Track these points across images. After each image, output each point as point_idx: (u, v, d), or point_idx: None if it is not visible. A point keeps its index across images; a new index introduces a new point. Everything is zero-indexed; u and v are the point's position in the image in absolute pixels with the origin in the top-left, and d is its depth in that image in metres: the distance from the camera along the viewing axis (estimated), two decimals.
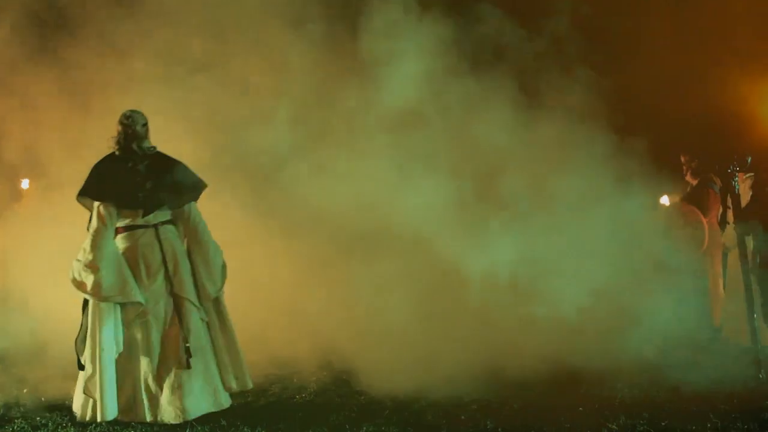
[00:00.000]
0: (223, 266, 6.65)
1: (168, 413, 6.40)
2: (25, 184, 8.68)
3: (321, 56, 8.07)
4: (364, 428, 6.20)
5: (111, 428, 6.39)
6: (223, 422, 6.37)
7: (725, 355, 7.53)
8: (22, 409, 6.90)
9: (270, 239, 8.09)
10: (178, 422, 6.37)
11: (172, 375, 6.41)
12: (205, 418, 6.45)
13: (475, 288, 7.33)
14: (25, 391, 7.22)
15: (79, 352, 6.44)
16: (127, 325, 6.41)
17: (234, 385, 6.63)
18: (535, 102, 7.75)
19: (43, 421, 6.59)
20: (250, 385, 6.72)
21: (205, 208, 6.79)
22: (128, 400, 6.43)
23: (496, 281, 7.29)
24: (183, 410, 6.40)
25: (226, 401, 6.61)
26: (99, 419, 6.35)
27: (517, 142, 7.64)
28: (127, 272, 6.37)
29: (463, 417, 6.35)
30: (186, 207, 6.57)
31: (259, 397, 7.11)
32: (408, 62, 7.77)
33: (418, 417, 6.40)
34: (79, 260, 6.37)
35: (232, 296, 6.90)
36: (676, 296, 7.56)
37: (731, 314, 8.10)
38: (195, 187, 6.60)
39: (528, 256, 7.40)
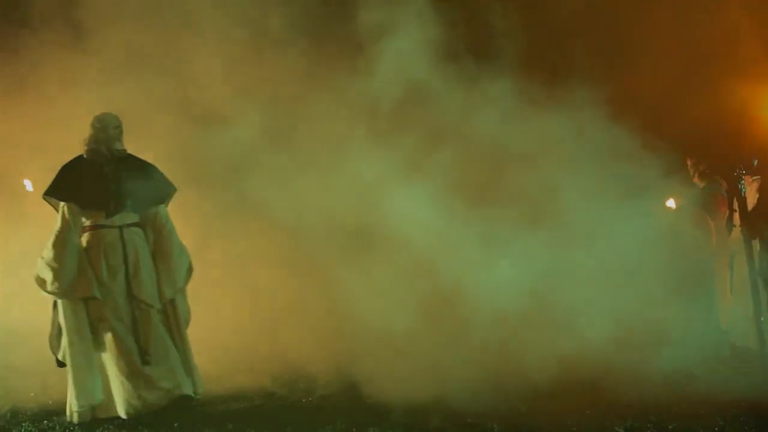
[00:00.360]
0: (188, 270, 6.82)
1: (130, 406, 6.53)
2: (28, 186, 8.61)
3: (303, 51, 8.03)
4: (371, 431, 6.20)
5: (118, 430, 6.43)
6: (230, 426, 6.38)
7: (733, 357, 7.53)
8: (29, 412, 6.92)
9: (270, 242, 8.08)
10: (134, 414, 6.50)
11: (134, 372, 6.53)
12: (213, 421, 6.48)
13: (481, 291, 7.30)
14: (32, 395, 7.24)
15: (54, 349, 6.63)
16: (92, 322, 6.57)
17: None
18: (540, 106, 7.70)
19: (50, 425, 6.61)
20: (200, 390, 6.82)
21: (202, 209, 6.80)
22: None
23: (503, 285, 7.25)
24: (144, 404, 6.53)
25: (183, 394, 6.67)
26: (75, 408, 6.53)
27: (519, 144, 7.57)
28: (89, 270, 6.53)
29: (469, 420, 6.35)
30: (153, 209, 6.71)
31: (267, 399, 7.12)
32: (401, 54, 7.66)
33: (425, 420, 6.38)
34: (42, 258, 6.55)
35: (233, 299, 6.88)
36: (684, 299, 7.53)
37: (738, 317, 8.08)
38: (162, 191, 6.77)
39: (534, 260, 7.37)
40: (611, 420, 6.22)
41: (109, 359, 6.59)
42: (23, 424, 6.64)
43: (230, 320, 7.01)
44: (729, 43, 7.69)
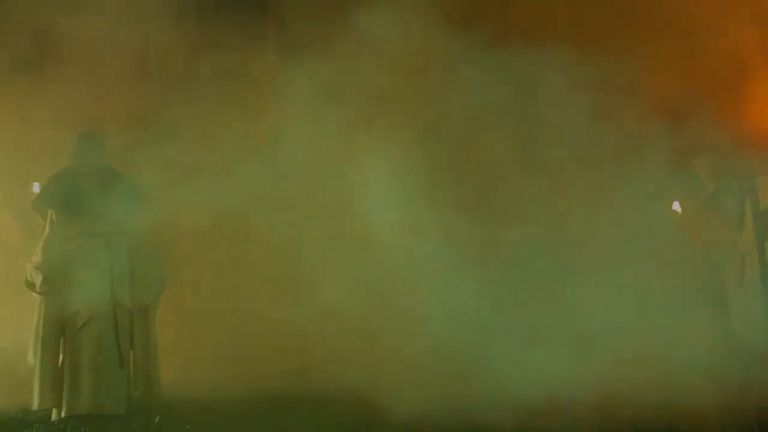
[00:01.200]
0: (164, 279, 7.18)
1: (81, 406, 6.79)
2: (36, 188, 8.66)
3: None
4: None
5: (124, 428, 6.50)
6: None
7: (742, 359, 7.49)
8: (39, 413, 6.93)
9: (252, 247, 8.03)
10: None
11: (111, 374, 6.85)
12: (221, 424, 6.52)
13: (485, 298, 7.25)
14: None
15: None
16: (71, 323, 6.87)
17: (139, 394, 7.02)
18: (543, 109, 7.61)
19: (60, 426, 6.64)
20: (156, 398, 7.06)
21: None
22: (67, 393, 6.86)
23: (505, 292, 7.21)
24: (114, 405, 6.82)
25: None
26: (34, 407, 6.82)
27: (519, 153, 7.48)
28: (73, 275, 6.88)
29: (479, 424, 6.31)
30: (134, 219, 7.05)
31: (273, 403, 7.09)
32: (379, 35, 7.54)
33: (436, 426, 6.36)
34: (31, 262, 6.97)
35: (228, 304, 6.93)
36: (694, 301, 7.51)
37: (749, 318, 8.04)
38: (142, 202, 7.11)
39: (536, 261, 7.31)
40: (622, 421, 6.22)
41: (83, 362, 6.84)
42: (34, 425, 6.68)
43: (231, 326, 7.10)
44: (748, 44, 7.66)
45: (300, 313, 7.38)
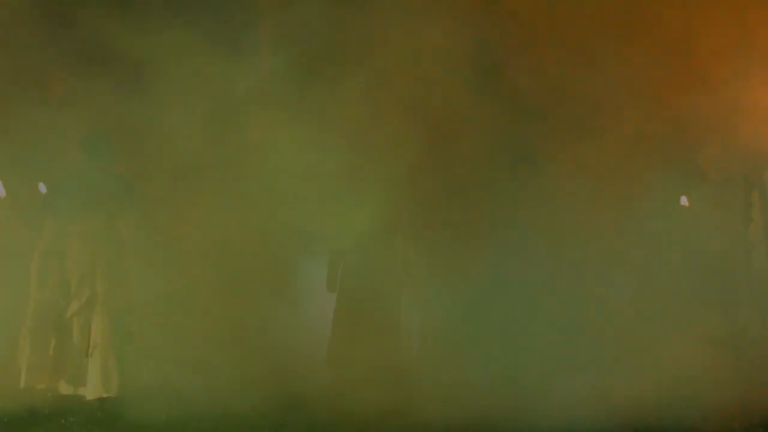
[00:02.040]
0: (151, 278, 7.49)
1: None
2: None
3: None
4: None
5: (132, 426, 6.57)
6: None
7: (749, 358, 7.48)
8: (46, 411, 7.02)
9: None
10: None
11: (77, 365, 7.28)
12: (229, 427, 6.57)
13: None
14: (50, 394, 7.34)
15: None
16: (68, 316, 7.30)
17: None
18: (539, 109, 7.56)
19: (67, 425, 6.70)
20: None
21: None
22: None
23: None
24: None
25: None
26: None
27: (503, 153, 7.45)
28: (67, 274, 7.30)
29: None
30: (120, 221, 7.37)
31: (277, 403, 7.12)
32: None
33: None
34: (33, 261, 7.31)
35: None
36: (701, 299, 7.49)
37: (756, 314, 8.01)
38: (127, 206, 7.38)
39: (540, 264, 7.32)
40: (635, 419, 6.28)
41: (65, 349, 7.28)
42: (41, 424, 6.72)
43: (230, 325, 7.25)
44: (747, 31, 7.60)
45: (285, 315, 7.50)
